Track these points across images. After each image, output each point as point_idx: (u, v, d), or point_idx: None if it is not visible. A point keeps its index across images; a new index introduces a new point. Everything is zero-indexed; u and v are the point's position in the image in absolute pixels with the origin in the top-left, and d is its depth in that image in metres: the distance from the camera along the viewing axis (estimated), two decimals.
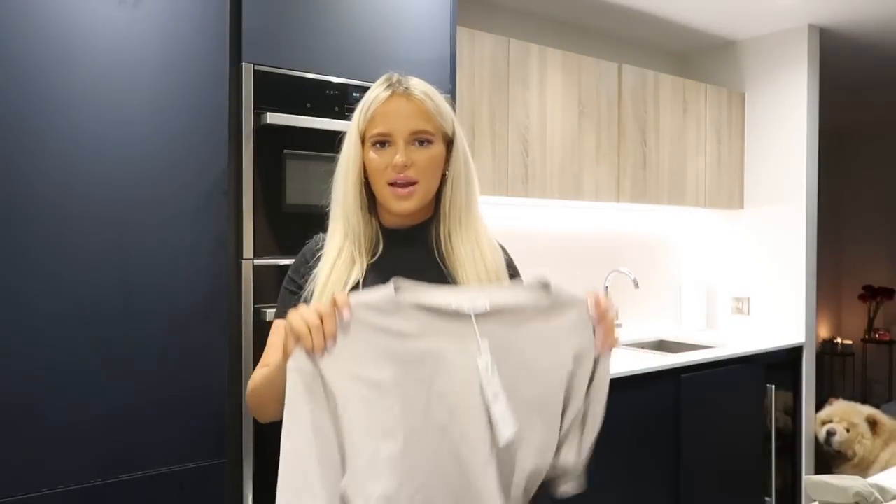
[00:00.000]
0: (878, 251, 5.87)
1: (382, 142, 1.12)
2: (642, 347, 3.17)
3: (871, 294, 5.65)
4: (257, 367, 1.15)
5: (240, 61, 1.68)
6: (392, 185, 1.12)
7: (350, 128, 1.15)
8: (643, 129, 3.12)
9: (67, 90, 1.45)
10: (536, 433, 0.99)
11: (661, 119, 3.20)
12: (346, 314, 0.93)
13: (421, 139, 1.12)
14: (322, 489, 0.89)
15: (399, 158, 1.10)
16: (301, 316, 0.93)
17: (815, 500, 1.39)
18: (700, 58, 3.81)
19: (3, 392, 1.38)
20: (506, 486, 0.97)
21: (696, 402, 2.77)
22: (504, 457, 0.97)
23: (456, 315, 0.96)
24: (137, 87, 1.53)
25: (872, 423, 3.77)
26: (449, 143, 1.17)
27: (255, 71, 1.69)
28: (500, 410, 0.93)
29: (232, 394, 1.65)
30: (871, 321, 5.68)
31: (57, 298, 1.43)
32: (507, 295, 1.00)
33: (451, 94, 2.04)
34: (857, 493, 1.32)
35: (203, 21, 1.61)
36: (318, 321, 0.92)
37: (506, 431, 0.93)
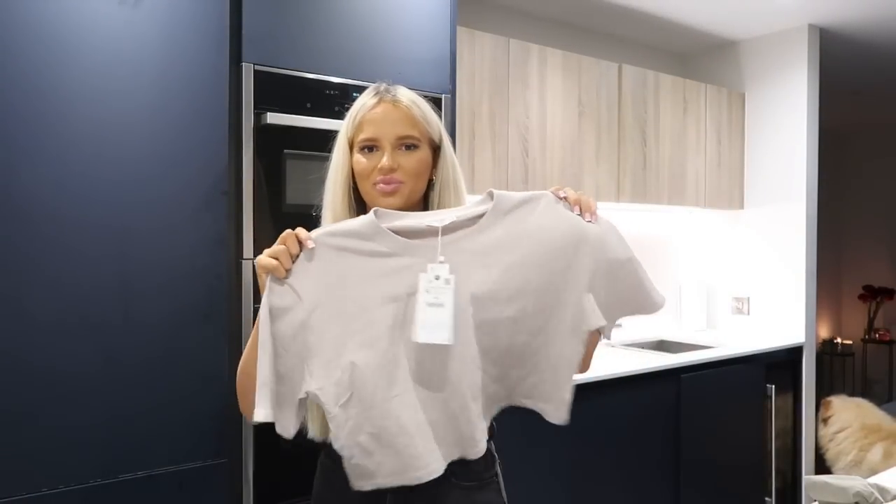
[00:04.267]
0: (878, 251, 5.87)
1: (370, 146, 1.13)
2: (642, 347, 3.17)
3: (871, 294, 5.66)
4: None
5: (240, 61, 1.68)
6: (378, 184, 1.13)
7: (339, 135, 1.18)
8: (643, 130, 3.12)
9: (67, 90, 1.45)
10: (519, 321, 1.04)
11: (661, 119, 3.19)
12: (309, 244, 1.04)
13: (407, 144, 1.14)
14: (286, 397, 1.02)
15: (385, 162, 1.11)
16: (266, 252, 1.04)
17: (815, 500, 1.40)
18: (700, 58, 3.80)
19: (3, 392, 1.38)
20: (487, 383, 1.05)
21: (696, 402, 2.77)
22: (479, 364, 1.03)
23: (428, 231, 1.05)
24: (137, 87, 1.53)
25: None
26: (436, 149, 1.18)
27: (255, 71, 1.69)
28: (434, 317, 1.00)
29: (232, 394, 1.64)
30: (871, 321, 5.68)
31: (57, 298, 1.43)
32: (467, 210, 1.09)
33: (451, 94, 2.04)
34: (857, 493, 1.32)
35: (203, 21, 1.62)
36: (282, 247, 1.03)
37: (424, 335, 0.99)
